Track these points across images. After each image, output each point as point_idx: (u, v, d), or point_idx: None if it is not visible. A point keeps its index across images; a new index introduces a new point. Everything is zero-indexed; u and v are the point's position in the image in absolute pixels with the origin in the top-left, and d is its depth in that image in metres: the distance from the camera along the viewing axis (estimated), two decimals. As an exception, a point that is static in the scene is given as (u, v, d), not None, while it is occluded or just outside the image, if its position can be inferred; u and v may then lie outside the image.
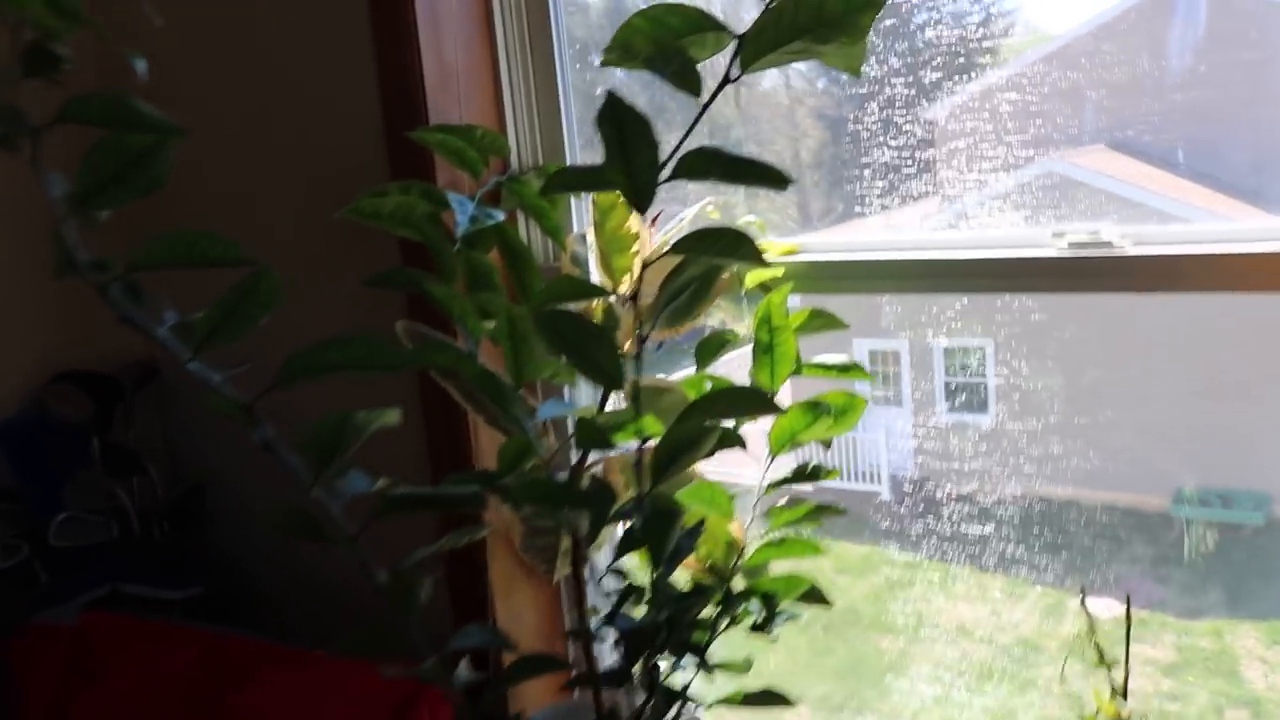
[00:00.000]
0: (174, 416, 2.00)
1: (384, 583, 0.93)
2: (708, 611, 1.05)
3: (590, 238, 1.48)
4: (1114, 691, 1.13)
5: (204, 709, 1.45)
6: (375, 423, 0.89)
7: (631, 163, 0.81)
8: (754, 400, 0.92)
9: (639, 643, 0.94)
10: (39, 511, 1.80)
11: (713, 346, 1.41)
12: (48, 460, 1.81)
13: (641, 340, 0.89)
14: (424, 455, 1.58)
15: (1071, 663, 1.24)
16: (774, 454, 1.22)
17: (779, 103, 1.66)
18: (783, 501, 1.26)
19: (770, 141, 1.63)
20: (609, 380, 0.88)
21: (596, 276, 1.36)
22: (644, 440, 1.00)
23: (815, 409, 1.21)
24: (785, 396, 1.29)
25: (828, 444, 1.34)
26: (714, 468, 1.53)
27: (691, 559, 1.43)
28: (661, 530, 0.89)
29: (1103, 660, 1.15)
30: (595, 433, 0.96)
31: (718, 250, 0.86)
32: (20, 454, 1.80)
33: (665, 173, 0.83)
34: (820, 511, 1.22)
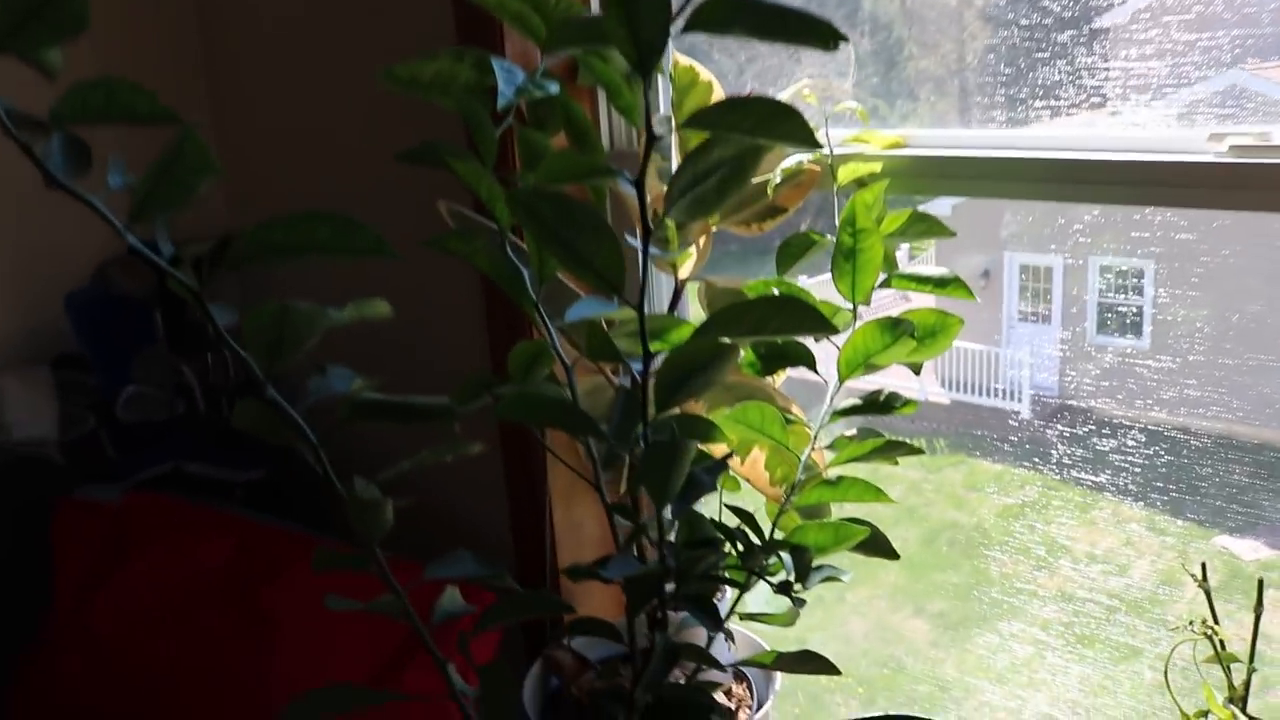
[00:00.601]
0: (249, 295, 1.91)
1: (344, 496, 0.79)
2: (734, 560, 0.88)
3: (673, 120, 1.30)
4: (1231, 695, 0.93)
5: (232, 599, 1.36)
6: (332, 320, 0.74)
7: (633, 9, 0.63)
8: (800, 314, 0.74)
9: (640, 593, 0.78)
10: (107, 384, 1.74)
11: (795, 249, 1.21)
12: (114, 333, 1.73)
13: (647, 231, 0.71)
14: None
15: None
16: (843, 378, 1.03)
17: (946, 3, 1.50)
18: (853, 432, 1.08)
19: (935, 44, 1.45)
20: (602, 279, 0.71)
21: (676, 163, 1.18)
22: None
23: (895, 328, 1.01)
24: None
25: (916, 369, 1.14)
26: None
27: (766, 483, 1.26)
28: (660, 465, 0.72)
29: (1219, 653, 0.95)
30: (605, 343, 0.79)
31: (751, 125, 0.68)
32: (88, 325, 1.73)
33: (678, 25, 0.64)
34: (893, 448, 1.03)
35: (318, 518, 1.58)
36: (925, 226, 1.17)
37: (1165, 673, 0.99)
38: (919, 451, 1.02)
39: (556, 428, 0.77)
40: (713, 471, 0.80)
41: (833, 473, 1.02)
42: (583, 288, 1.13)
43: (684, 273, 1.26)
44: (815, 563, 0.87)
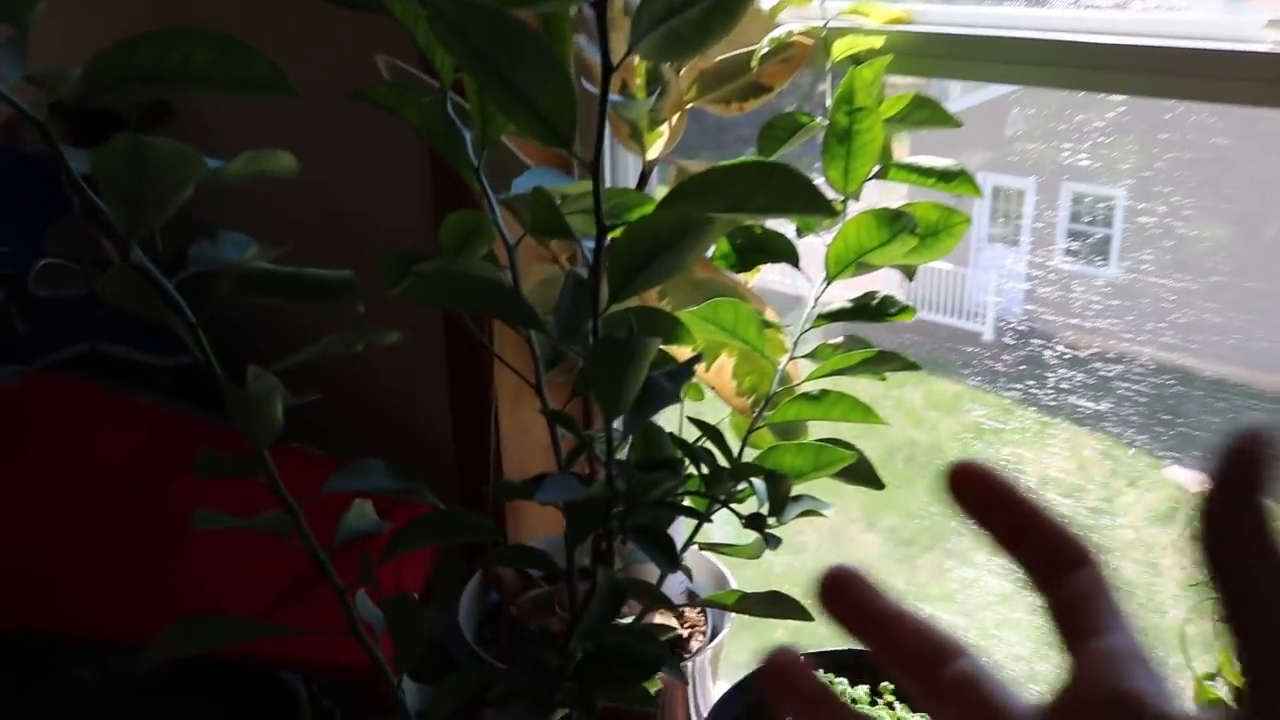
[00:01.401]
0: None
1: (229, 391, 0.63)
2: (697, 484, 0.73)
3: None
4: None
5: (138, 494, 1.20)
6: (206, 168, 0.57)
7: None
8: (791, 187, 0.58)
9: (581, 521, 0.63)
10: (17, 255, 1.55)
11: (780, 130, 1.04)
12: (25, 198, 1.54)
13: (608, 69, 0.54)
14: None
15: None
16: (831, 277, 0.88)
17: None
18: (837, 340, 0.93)
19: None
20: (546, 125, 0.54)
21: None
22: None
23: (895, 222, 0.85)
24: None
25: (910, 273, 0.99)
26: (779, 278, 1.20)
27: (732, 392, 1.11)
28: (611, 366, 0.57)
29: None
30: (552, 214, 0.63)
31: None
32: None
33: None
34: (885, 360, 0.88)
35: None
36: (929, 113, 1.01)
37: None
38: (914, 367, 0.87)
39: (485, 314, 0.61)
40: (676, 378, 0.65)
41: (814, 386, 0.87)
42: (534, 156, 0.96)
43: (653, 153, 1.09)
44: (793, 492, 0.72)
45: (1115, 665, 0.29)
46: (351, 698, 1.29)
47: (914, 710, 1.05)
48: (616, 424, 0.65)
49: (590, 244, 0.61)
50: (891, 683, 1.07)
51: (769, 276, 1.36)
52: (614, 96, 0.57)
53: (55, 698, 1.21)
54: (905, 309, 0.86)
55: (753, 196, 0.59)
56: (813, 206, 0.60)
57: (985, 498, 0.32)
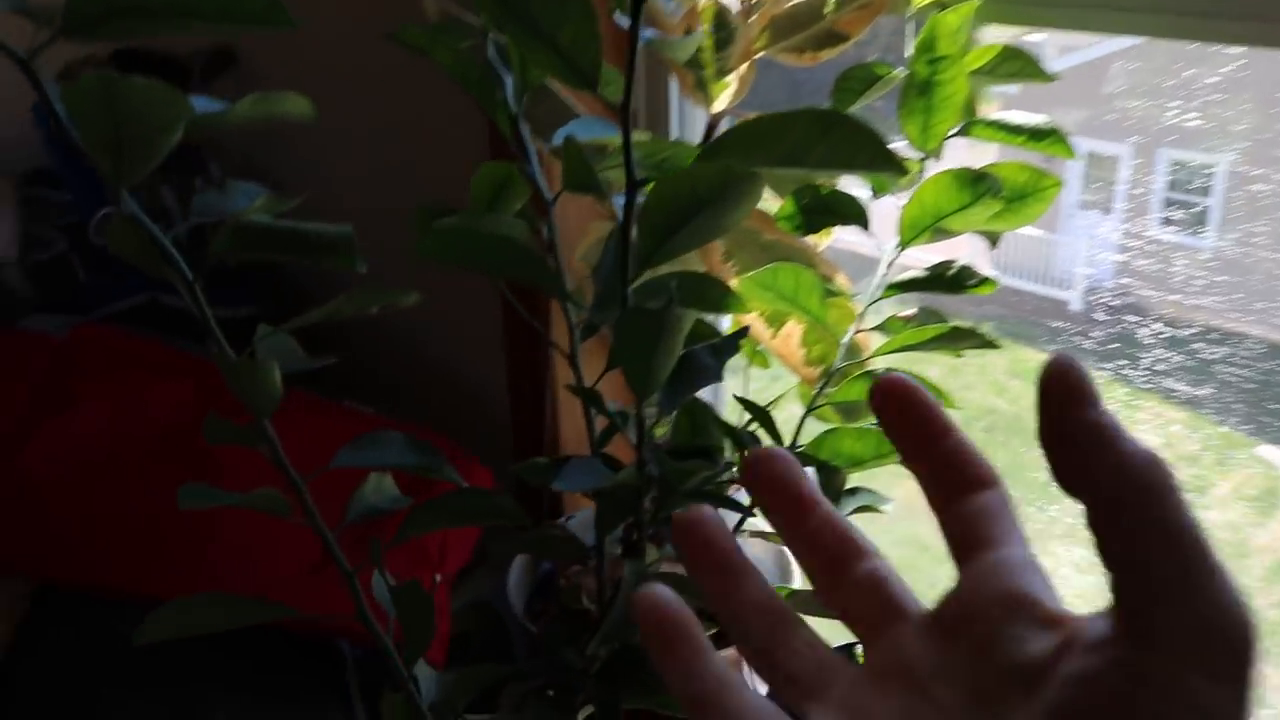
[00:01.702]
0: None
1: (220, 358, 0.57)
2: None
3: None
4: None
5: (184, 450, 1.16)
6: (190, 110, 0.50)
7: None
8: (855, 139, 0.50)
9: (609, 510, 0.56)
10: (79, 204, 1.52)
11: (857, 81, 0.95)
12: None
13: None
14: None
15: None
16: (904, 243, 0.79)
17: None
18: (910, 312, 0.84)
19: None
20: (569, 64, 0.47)
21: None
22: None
23: (977, 183, 0.76)
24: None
25: (994, 240, 0.90)
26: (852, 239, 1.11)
27: (800, 361, 1.03)
28: (638, 340, 0.49)
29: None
30: (581, 166, 0.56)
31: None
32: (61, 138, 1.51)
33: None
34: (960, 336, 0.79)
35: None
36: (1019, 65, 0.91)
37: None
38: (993, 345, 0.79)
39: (506, 275, 0.55)
40: (720, 352, 0.57)
41: (883, 362, 0.79)
42: (590, 106, 0.89)
43: (719, 105, 1.01)
44: (850, 483, 0.64)
45: (1008, 571, 0.31)
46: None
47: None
48: (653, 404, 0.58)
49: (621, 200, 0.53)
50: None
51: (849, 237, 1.27)
52: (650, 31, 0.49)
53: (105, 654, 1.18)
54: (985, 281, 0.77)
55: (810, 150, 0.51)
56: (879, 162, 0.51)
57: (904, 411, 0.34)
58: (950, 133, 0.84)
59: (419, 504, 0.62)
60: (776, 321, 1.01)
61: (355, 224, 0.60)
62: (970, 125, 0.87)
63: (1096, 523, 0.27)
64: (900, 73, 0.89)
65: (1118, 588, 0.27)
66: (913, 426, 0.34)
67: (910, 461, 0.34)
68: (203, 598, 0.60)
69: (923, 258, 0.86)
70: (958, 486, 0.33)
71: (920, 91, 0.83)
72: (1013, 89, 1.03)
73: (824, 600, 0.34)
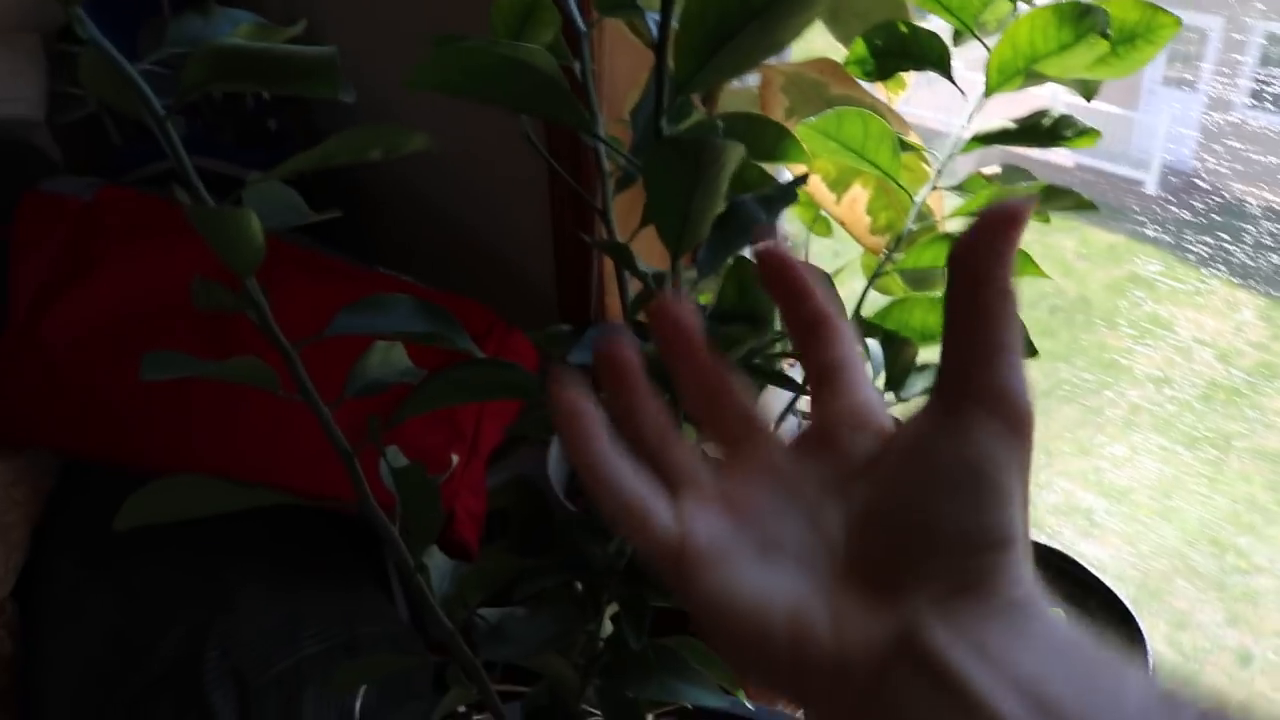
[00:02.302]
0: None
1: (190, 208, 0.49)
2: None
3: None
4: None
5: (208, 316, 1.09)
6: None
7: None
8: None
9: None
10: (110, 59, 1.44)
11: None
12: (117, 1, 1.42)
13: None
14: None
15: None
16: (991, 88, 0.68)
17: None
18: (993, 170, 0.74)
19: None
20: None
21: None
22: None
23: (1082, 20, 0.65)
24: None
25: (1090, 93, 0.78)
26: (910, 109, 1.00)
27: (865, 230, 0.93)
28: (673, 178, 0.40)
29: None
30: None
31: None
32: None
33: None
34: (1052, 196, 0.69)
35: (343, 230, 1.30)
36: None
37: None
38: (1090, 206, 0.68)
39: (523, 108, 0.45)
40: (773, 203, 0.48)
41: (960, 225, 0.69)
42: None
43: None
44: (919, 360, 0.55)
45: (862, 411, 0.36)
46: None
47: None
48: (689, 260, 0.49)
49: (656, 18, 0.44)
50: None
51: (916, 109, 1.16)
52: None
53: (128, 531, 1.14)
54: (1087, 131, 0.66)
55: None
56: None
57: (776, 275, 0.38)
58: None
59: (426, 378, 0.54)
60: (841, 185, 0.91)
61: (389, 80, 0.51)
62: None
63: (957, 305, 0.32)
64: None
65: (946, 356, 0.33)
66: (784, 290, 0.38)
67: (783, 317, 0.38)
68: (185, 479, 0.53)
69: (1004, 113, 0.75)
70: (816, 340, 0.38)
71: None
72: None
73: (704, 426, 0.39)
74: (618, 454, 0.35)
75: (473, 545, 1.04)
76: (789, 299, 0.38)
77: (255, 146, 1.53)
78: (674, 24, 0.43)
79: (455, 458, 0.94)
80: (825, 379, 0.37)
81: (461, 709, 0.66)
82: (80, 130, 1.44)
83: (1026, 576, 0.32)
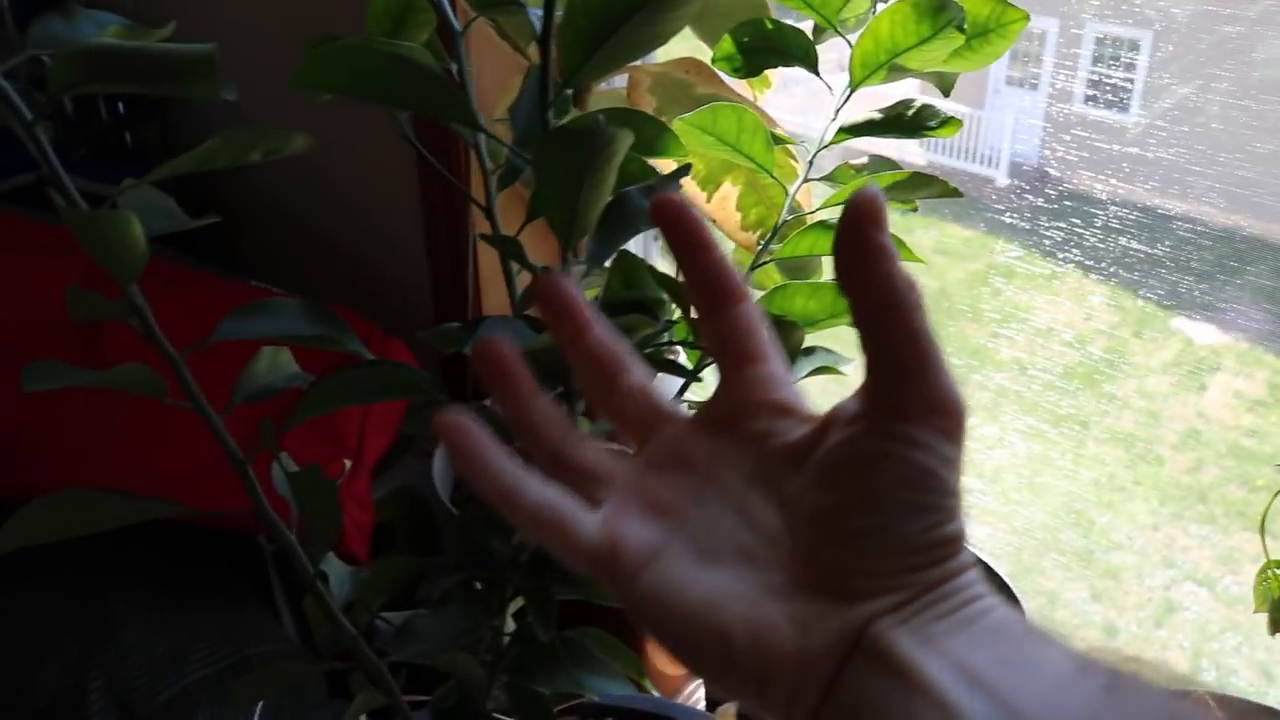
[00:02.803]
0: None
1: (68, 212, 0.47)
2: (684, 333, 0.58)
3: None
4: None
5: (75, 336, 1.06)
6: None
7: None
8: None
9: (538, 378, 0.49)
10: (-49, 74, 1.38)
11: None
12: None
13: None
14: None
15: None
16: (855, 83, 0.71)
17: None
18: (860, 161, 0.76)
19: None
20: None
21: None
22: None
23: (939, 14, 0.68)
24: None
25: (947, 86, 0.82)
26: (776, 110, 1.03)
27: (736, 226, 0.95)
28: (564, 168, 0.41)
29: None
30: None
31: None
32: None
33: None
34: (919, 184, 0.71)
35: (204, 243, 1.27)
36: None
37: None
38: (955, 193, 0.71)
39: (405, 104, 0.45)
40: (656, 193, 0.49)
41: (831, 214, 0.71)
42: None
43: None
44: (805, 343, 0.57)
45: (773, 384, 0.36)
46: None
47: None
48: (582, 253, 0.50)
49: (539, 13, 0.44)
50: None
51: (775, 112, 1.18)
52: None
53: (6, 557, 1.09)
54: (949, 120, 0.69)
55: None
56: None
57: (672, 221, 0.37)
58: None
59: (315, 383, 0.54)
60: (711, 182, 0.93)
61: (256, 84, 0.50)
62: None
63: (862, 319, 0.32)
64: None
65: (873, 370, 0.33)
66: (683, 240, 0.37)
67: (683, 271, 0.37)
68: (70, 494, 0.52)
69: (867, 108, 0.78)
70: (716, 301, 0.37)
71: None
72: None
73: (600, 408, 0.38)
74: (516, 464, 0.34)
75: (362, 558, 1.03)
76: (689, 250, 0.37)
77: (110, 160, 1.48)
78: (556, 18, 0.44)
79: (348, 463, 0.93)
80: (730, 343, 0.37)
81: (363, 717, 0.65)
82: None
83: (969, 565, 0.33)
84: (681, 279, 0.37)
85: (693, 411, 0.38)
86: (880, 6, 0.73)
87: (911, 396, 0.32)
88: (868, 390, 0.33)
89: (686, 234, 0.37)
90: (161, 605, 1.05)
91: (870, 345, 0.32)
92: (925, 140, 1.51)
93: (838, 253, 0.32)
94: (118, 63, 0.44)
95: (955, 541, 0.32)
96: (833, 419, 0.34)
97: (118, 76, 0.45)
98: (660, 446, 0.37)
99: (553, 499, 0.34)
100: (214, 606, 1.08)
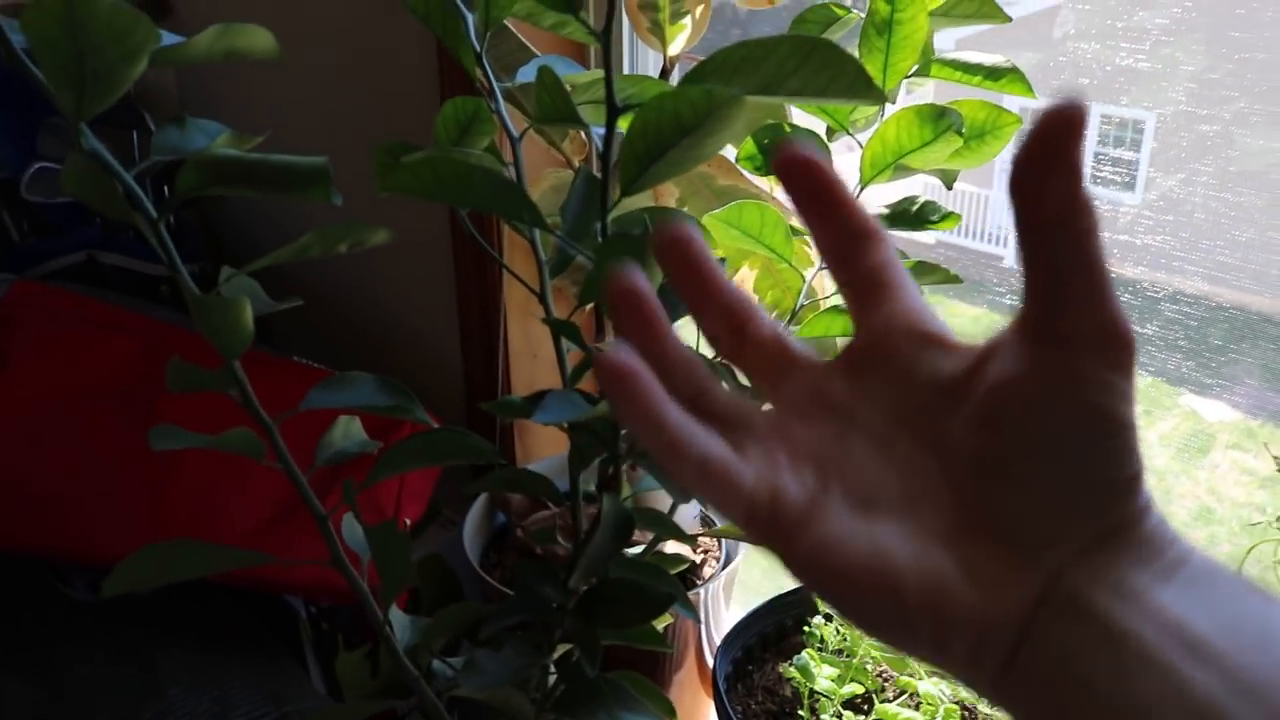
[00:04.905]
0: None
1: (190, 295, 0.55)
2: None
3: None
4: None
5: (130, 411, 1.13)
6: (155, 36, 0.49)
7: None
8: (836, 64, 0.50)
9: (585, 443, 0.56)
10: (10, 159, 1.47)
11: (813, 24, 0.95)
12: (17, 99, 1.46)
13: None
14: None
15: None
16: (865, 181, 0.79)
17: None
18: (871, 251, 0.85)
19: None
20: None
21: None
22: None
23: (940, 119, 0.77)
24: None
25: (950, 180, 0.90)
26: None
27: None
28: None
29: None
30: (559, 96, 0.55)
31: None
32: (-8, 84, 1.46)
33: None
34: (923, 272, 0.80)
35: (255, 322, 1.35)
36: (976, 6, 0.91)
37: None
38: (955, 279, 0.79)
39: (479, 207, 0.54)
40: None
41: (842, 301, 0.79)
42: (543, 45, 0.88)
43: (675, 48, 1.00)
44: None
45: (913, 314, 0.34)
46: (351, 620, 1.24)
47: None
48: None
49: (601, 131, 0.53)
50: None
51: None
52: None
53: (48, 618, 1.16)
54: (949, 215, 0.78)
55: (789, 76, 0.51)
56: (859, 89, 0.51)
57: (810, 180, 0.35)
58: (910, 71, 0.84)
59: (388, 446, 0.61)
60: (732, 266, 1.01)
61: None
62: (928, 65, 0.87)
63: (1034, 238, 0.30)
64: (857, 14, 0.89)
65: (1039, 296, 0.31)
66: (810, 194, 0.36)
67: (810, 224, 0.36)
68: (174, 545, 0.59)
69: (878, 199, 0.86)
70: (850, 240, 0.36)
71: (880, 30, 0.83)
72: (966, 30, 1.04)
73: (732, 359, 0.37)
74: (680, 411, 0.32)
75: (397, 616, 1.09)
76: (822, 205, 0.35)
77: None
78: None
79: (408, 521, 1.00)
80: (870, 289, 0.35)
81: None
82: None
83: (1153, 506, 0.31)
84: (806, 229, 0.37)
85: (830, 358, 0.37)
86: (889, 109, 0.82)
87: (1084, 325, 0.30)
88: (1032, 319, 0.31)
89: (819, 186, 0.35)
90: (204, 662, 1.11)
91: (1039, 268, 0.30)
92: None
93: (1021, 158, 0.30)
94: (242, 171, 0.53)
95: (1137, 479, 0.31)
96: (990, 352, 0.32)
97: (240, 183, 0.53)
98: (797, 390, 0.35)
99: (718, 450, 0.31)
100: (253, 664, 1.15)
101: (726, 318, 0.36)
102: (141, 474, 1.11)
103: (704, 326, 0.37)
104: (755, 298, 0.35)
